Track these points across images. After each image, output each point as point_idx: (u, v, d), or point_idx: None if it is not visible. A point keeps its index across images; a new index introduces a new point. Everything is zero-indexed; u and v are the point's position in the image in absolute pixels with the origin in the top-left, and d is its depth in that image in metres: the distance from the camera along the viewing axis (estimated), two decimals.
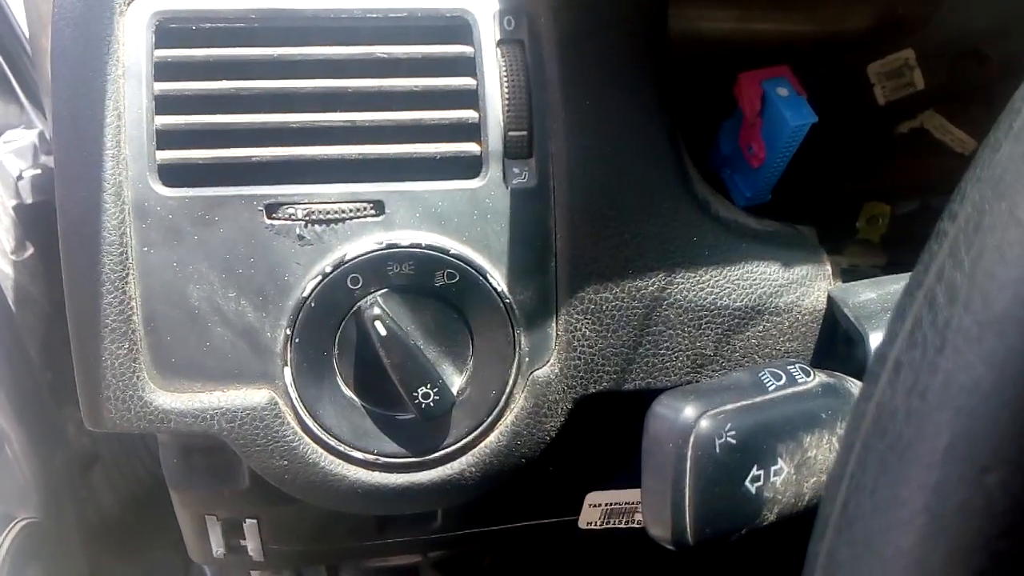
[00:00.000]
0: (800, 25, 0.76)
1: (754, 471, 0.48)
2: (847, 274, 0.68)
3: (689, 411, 0.48)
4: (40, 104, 1.08)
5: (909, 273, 0.63)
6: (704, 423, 0.47)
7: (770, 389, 0.51)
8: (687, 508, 0.47)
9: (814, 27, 0.77)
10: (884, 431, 0.30)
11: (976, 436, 0.27)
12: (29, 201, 1.01)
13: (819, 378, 0.53)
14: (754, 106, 0.65)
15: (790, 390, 0.51)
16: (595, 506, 0.74)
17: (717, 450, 0.47)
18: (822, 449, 0.50)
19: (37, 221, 1.01)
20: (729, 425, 0.48)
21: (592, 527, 0.76)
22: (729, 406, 0.49)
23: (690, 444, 0.47)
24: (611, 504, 0.74)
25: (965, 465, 0.28)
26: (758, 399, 0.50)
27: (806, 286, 0.65)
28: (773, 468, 0.49)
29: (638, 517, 0.76)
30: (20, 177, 1.01)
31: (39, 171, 1.02)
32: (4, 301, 0.97)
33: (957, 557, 0.28)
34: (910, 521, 0.28)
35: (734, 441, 0.48)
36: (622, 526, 0.76)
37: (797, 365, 0.53)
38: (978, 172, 0.31)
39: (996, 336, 0.27)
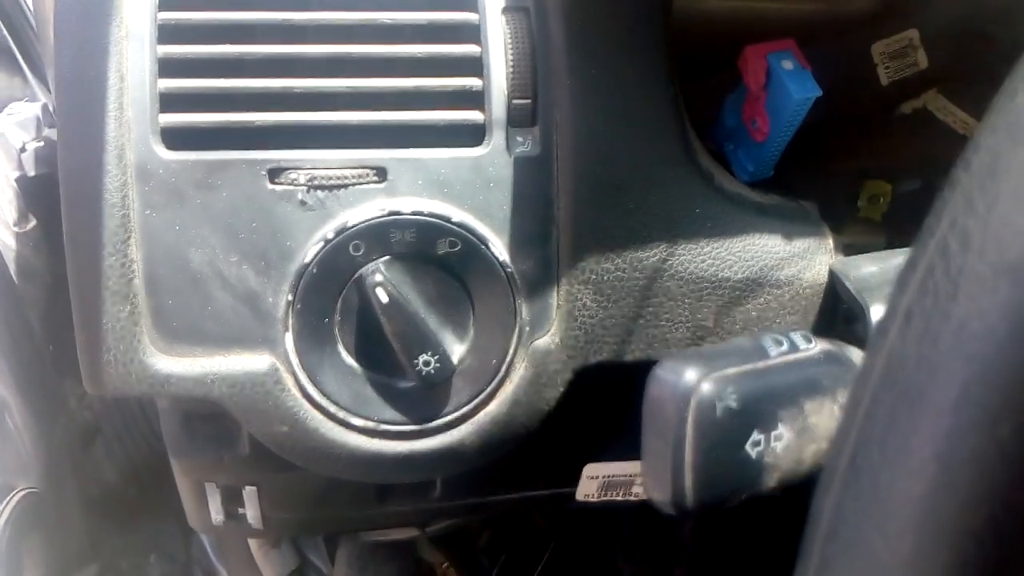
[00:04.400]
0: (805, 3, 0.76)
1: (755, 436, 0.48)
2: (847, 251, 0.68)
3: (691, 374, 0.48)
4: (44, 77, 1.07)
5: (910, 248, 0.63)
6: (705, 386, 0.47)
7: (772, 355, 0.50)
8: (687, 472, 0.47)
9: (819, 5, 0.76)
10: (894, 381, 0.30)
11: (989, 384, 0.27)
12: (32, 173, 1.01)
13: (821, 345, 0.53)
14: (759, 79, 0.65)
15: (792, 356, 0.51)
16: (593, 478, 0.74)
17: (718, 414, 0.47)
18: (823, 416, 0.50)
19: (40, 193, 1.01)
20: (731, 389, 0.48)
21: (589, 499, 0.76)
22: (731, 370, 0.48)
23: (691, 407, 0.47)
24: (609, 476, 0.74)
25: (977, 413, 0.27)
26: (760, 364, 0.50)
27: (807, 259, 0.64)
28: (774, 433, 0.49)
29: (636, 490, 0.76)
30: (23, 149, 1.01)
31: (42, 143, 1.02)
32: (6, 273, 0.97)
33: (969, 506, 0.28)
34: (920, 470, 0.28)
35: (735, 405, 0.47)
36: (619, 499, 0.76)
37: (799, 332, 0.53)
38: (993, 120, 0.31)
39: (1011, 284, 0.27)
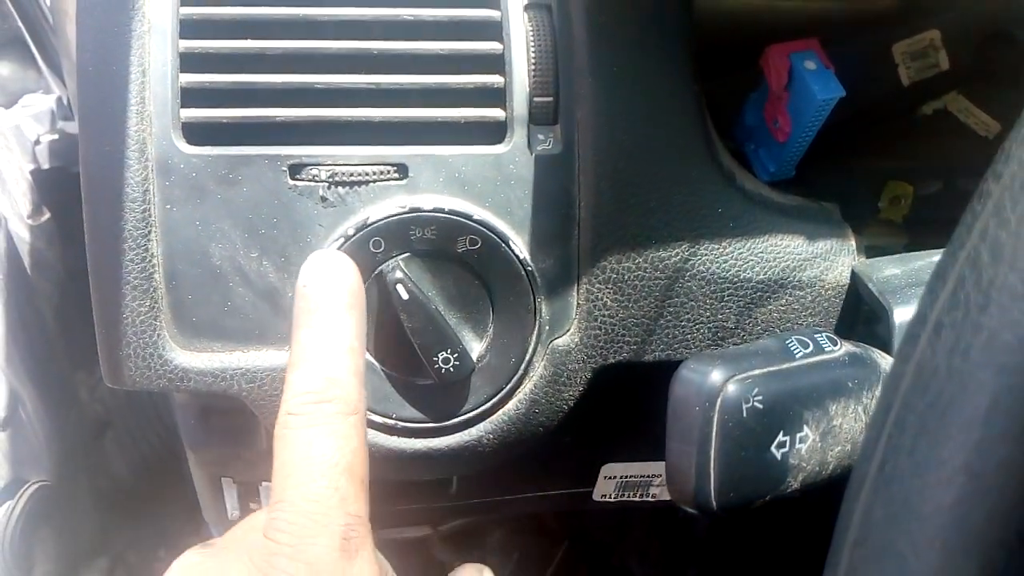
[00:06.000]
0: (826, 2, 0.76)
1: (780, 437, 0.48)
2: (868, 253, 0.67)
3: (716, 375, 0.48)
4: (59, 69, 1.07)
5: (934, 250, 0.63)
6: (732, 387, 0.47)
7: (797, 356, 0.50)
8: (712, 472, 0.47)
9: (840, 4, 0.76)
10: (924, 390, 0.30)
11: (1020, 395, 0.27)
12: (46, 166, 1.01)
13: (846, 347, 0.52)
14: (781, 79, 0.65)
15: (817, 358, 0.51)
16: (610, 478, 0.74)
17: (744, 414, 0.47)
18: (847, 418, 0.50)
19: (54, 186, 1.01)
20: (757, 390, 0.47)
21: (606, 499, 0.76)
22: (757, 371, 0.48)
23: (717, 408, 0.47)
24: (626, 477, 0.74)
25: (1008, 423, 0.27)
26: (785, 366, 0.50)
27: (830, 260, 0.64)
28: (799, 435, 0.48)
29: (653, 490, 0.75)
30: (38, 142, 1.01)
31: (56, 136, 1.02)
32: (20, 265, 0.97)
33: (998, 516, 0.28)
34: (950, 480, 0.28)
35: (761, 406, 0.47)
36: (636, 499, 0.76)
37: (824, 334, 0.53)
38: (1023, 131, 0.30)
39: None
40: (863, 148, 0.78)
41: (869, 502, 0.31)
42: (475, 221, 0.59)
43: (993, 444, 0.27)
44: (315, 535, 0.46)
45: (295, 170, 0.58)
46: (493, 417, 0.62)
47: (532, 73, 0.60)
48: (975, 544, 0.28)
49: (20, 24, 1.07)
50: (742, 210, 0.63)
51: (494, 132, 0.60)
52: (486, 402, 0.61)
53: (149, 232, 0.57)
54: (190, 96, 0.58)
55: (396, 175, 0.59)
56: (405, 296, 0.57)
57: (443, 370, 0.58)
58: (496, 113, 0.60)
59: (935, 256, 0.62)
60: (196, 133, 0.58)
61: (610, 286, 0.61)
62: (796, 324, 0.64)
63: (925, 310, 0.31)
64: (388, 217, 0.58)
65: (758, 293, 0.63)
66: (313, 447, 0.48)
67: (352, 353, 0.52)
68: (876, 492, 0.31)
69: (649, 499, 0.76)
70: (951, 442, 0.28)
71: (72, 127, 1.03)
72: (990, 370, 0.28)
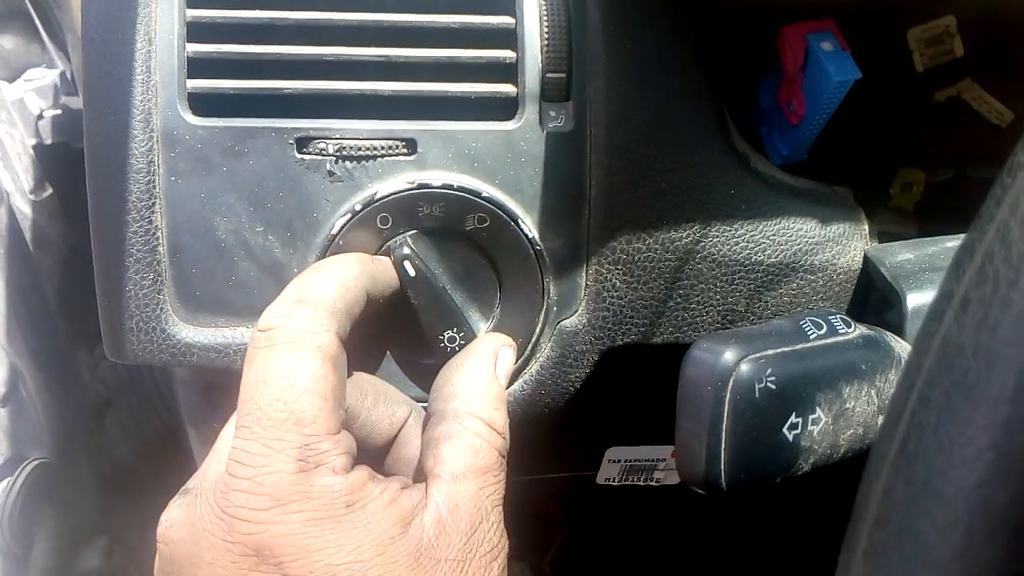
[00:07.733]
0: None
1: (792, 418, 0.47)
2: (879, 240, 0.67)
3: (729, 355, 0.47)
4: (63, 43, 1.06)
5: (946, 236, 0.62)
6: (744, 367, 0.47)
7: (811, 337, 0.50)
8: (723, 452, 0.47)
9: None
10: (950, 367, 0.29)
11: None
12: (49, 141, 1.00)
13: (859, 330, 0.52)
14: (797, 60, 0.64)
15: (831, 340, 0.50)
16: (614, 462, 0.74)
17: (756, 395, 0.46)
18: (860, 401, 0.50)
19: (57, 161, 1.00)
20: (770, 371, 0.47)
21: (610, 483, 0.75)
22: (770, 352, 0.48)
23: (729, 388, 0.46)
24: (630, 460, 0.74)
25: None
26: (799, 346, 0.49)
27: (842, 245, 0.64)
28: (811, 417, 0.48)
29: (657, 475, 0.75)
30: (41, 116, 1.00)
31: (60, 111, 1.01)
32: (22, 240, 0.96)
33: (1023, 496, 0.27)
34: (976, 459, 0.27)
35: (774, 387, 0.47)
36: (640, 483, 0.76)
37: (838, 316, 0.52)
38: None
39: None
40: (875, 134, 0.78)
41: (890, 481, 0.31)
42: (484, 199, 0.58)
43: (1021, 423, 0.27)
44: (270, 462, 0.44)
45: (302, 143, 0.57)
46: None
47: (545, 48, 0.59)
48: (999, 525, 0.27)
49: None
50: (755, 192, 0.62)
51: (505, 108, 0.59)
52: None
53: (153, 204, 0.56)
54: (197, 66, 0.57)
55: (405, 150, 0.58)
56: (412, 273, 0.56)
57: (448, 348, 0.58)
58: (507, 89, 0.59)
59: (949, 242, 0.62)
60: (202, 104, 0.57)
61: (619, 267, 0.60)
62: (807, 308, 0.64)
63: (951, 285, 0.30)
64: (396, 193, 0.57)
65: (769, 276, 0.62)
66: (271, 368, 0.46)
67: (336, 284, 0.50)
68: (898, 470, 0.30)
69: (653, 483, 0.76)
70: (977, 421, 0.28)
71: (75, 102, 1.02)
72: (1019, 346, 0.27)
